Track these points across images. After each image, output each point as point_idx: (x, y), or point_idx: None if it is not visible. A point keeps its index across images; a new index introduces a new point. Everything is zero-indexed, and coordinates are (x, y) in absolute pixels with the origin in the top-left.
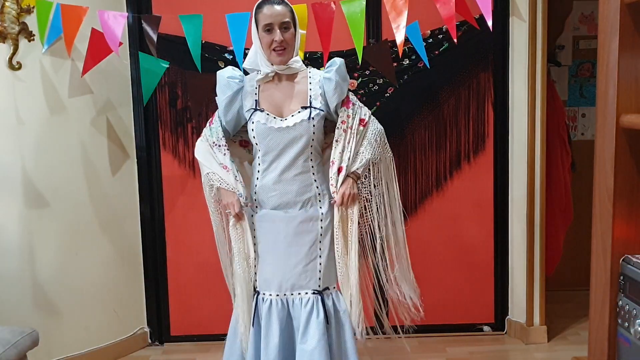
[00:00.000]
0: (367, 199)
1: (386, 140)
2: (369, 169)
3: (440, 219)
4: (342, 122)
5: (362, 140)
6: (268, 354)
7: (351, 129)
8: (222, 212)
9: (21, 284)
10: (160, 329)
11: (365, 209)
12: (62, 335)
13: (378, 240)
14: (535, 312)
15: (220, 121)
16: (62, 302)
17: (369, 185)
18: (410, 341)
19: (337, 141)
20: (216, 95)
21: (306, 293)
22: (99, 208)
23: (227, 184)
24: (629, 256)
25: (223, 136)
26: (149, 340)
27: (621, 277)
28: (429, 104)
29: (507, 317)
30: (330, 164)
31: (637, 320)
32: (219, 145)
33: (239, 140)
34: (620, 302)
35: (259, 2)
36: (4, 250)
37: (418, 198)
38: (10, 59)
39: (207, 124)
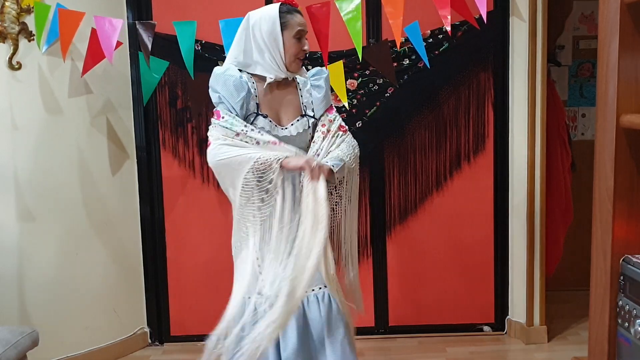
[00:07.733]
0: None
1: (358, 159)
2: (341, 178)
3: (440, 219)
4: (322, 125)
5: (340, 142)
6: (287, 355)
7: (330, 132)
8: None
9: (21, 284)
10: (160, 329)
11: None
12: (62, 335)
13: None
14: (535, 312)
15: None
16: (62, 302)
17: (339, 191)
18: (410, 341)
19: (314, 142)
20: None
21: (320, 288)
22: (98, 208)
23: (290, 151)
24: (629, 256)
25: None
26: (149, 340)
27: (621, 277)
28: (429, 104)
29: (507, 317)
30: None
31: (637, 320)
32: (252, 129)
33: None
34: (620, 302)
35: (281, 5)
36: (4, 251)
37: (418, 198)
38: (10, 59)
39: (216, 122)
